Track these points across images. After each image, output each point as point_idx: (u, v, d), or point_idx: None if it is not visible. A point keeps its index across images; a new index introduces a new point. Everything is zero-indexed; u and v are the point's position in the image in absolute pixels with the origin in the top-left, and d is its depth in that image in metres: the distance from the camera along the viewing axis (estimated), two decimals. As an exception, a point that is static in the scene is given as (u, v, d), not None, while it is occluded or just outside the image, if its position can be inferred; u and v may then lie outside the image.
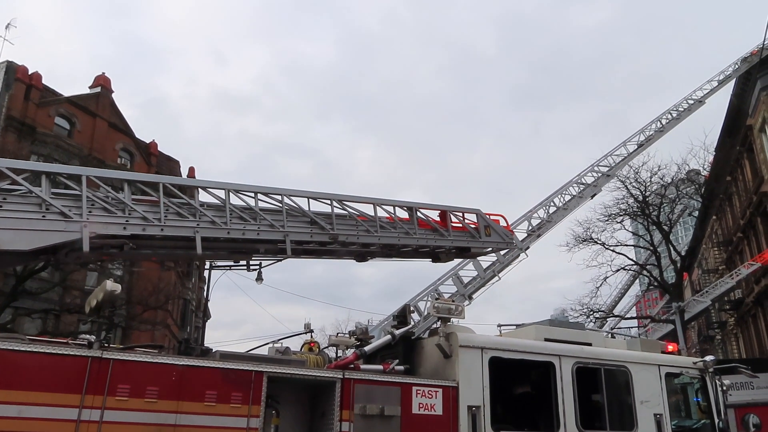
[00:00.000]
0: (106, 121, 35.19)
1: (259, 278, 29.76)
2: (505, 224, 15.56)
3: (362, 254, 12.63)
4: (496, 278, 17.79)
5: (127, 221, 8.59)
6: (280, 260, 11.26)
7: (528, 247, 18.77)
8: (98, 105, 35.10)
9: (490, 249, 15.27)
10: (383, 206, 12.31)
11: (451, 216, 13.86)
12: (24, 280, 22.41)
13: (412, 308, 15.76)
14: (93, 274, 29.82)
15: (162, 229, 8.96)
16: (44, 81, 31.85)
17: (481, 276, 17.54)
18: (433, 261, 14.40)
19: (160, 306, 30.14)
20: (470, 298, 17.21)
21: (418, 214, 13.02)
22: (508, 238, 15.31)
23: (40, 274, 23.92)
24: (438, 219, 13.68)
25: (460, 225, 14.12)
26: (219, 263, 30.27)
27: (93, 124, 34.22)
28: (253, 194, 10.33)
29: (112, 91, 36.90)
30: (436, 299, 15.18)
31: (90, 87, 36.34)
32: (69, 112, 33.01)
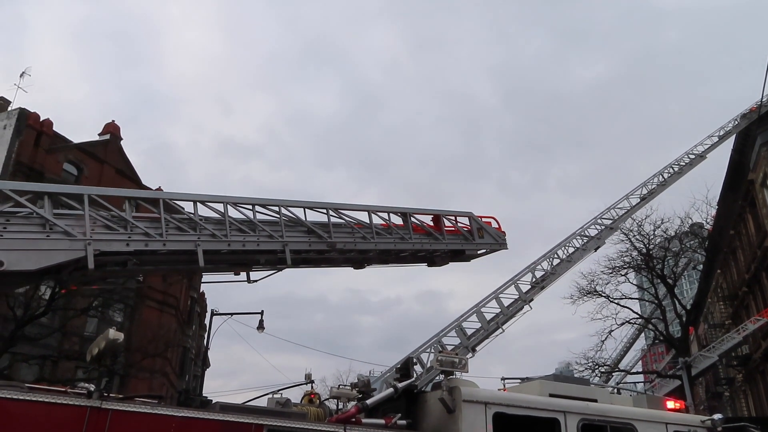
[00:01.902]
0: (113, 167, 35.65)
1: (261, 327, 29.75)
2: (497, 225, 15.62)
3: (360, 261, 12.74)
4: (500, 330, 17.55)
5: (129, 237, 8.74)
6: (281, 270, 11.25)
7: (532, 300, 18.58)
8: (106, 151, 35.63)
9: (485, 251, 15.32)
10: (378, 213, 12.54)
11: (445, 220, 14.00)
12: (24, 325, 22.26)
13: (414, 360, 15.55)
14: (93, 320, 29.62)
15: (164, 244, 9.12)
16: (55, 128, 32.47)
17: (485, 328, 17.31)
18: (428, 265, 14.46)
19: (159, 353, 29.80)
20: (474, 350, 16.93)
21: (413, 219, 13.17)
22: (500, 239, 15.42)
23: (40, 320, 23.75)
24: (432, 223, 13.81)
25: (454, 228, 14.24)
26: (221, 310, 30.30)
27: (100, 170, 34.66)
28: (250, 206, 10.54)
29: (121, 139, 37.53)
30: (440, 352, 15.00)
31: (99, 134, 36.98)
32: (77, 159, 33.49)
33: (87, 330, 29.46)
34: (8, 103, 32.71)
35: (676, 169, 27.50)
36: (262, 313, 29.73)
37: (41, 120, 31.61)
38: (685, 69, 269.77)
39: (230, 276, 11.17)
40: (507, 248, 15.77)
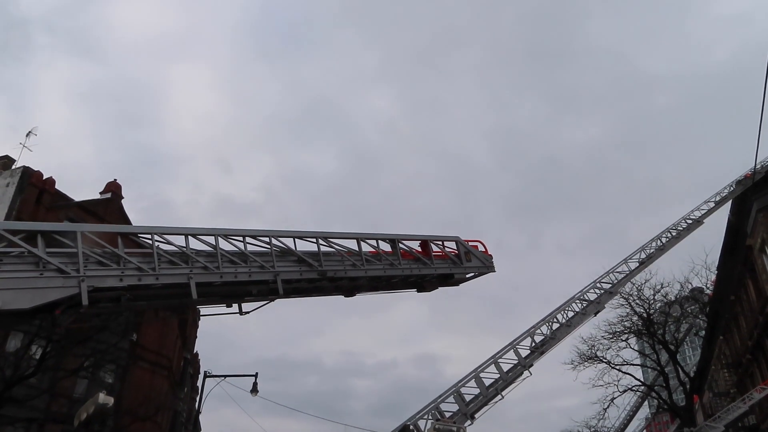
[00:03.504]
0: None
1: (254, 390, 29.03)
2: (484, 249, 15.59)
3: (350, 289, 12.78)
4: (500, 397, 17.18)
5: (122, 272, 8.82)
6: (273, 300, 11.27)
7: (532, 365, 18.27)
8: (107, 210, 35.75)
9: (473, 274, 15.30)
10: (367, 240, 12.69)
11: (432, 245, 14.10)
12: (12, 386, 21.70)
13: (411, 427, 15.14)
14: (83, 381, 28.90)
15: (157, 278, 9.16)
16: (57, 186, 32.74)
17: (484, 394, 16.94)
18: (418, 291, 14.56)
19: (149, 417, 28.97)
20: (472, 417, 16.50)
21: (401, 245, 13.21)
22: (488, 262, 15.55)
23: (28, 380, 23.19)
24: (420, 249, 13.88)
25: (442, 253, 14.27)
26: (214, 372, 29.68)
27: (100, 228, 34.69)
28: (241, 238, 10.61)
29: (122, 197, 37.77)
30: (437, 419, 14.65)
31: (101, 193, 37.22)
32: (78, 216, 33.52)
33: (76, 391, 28.68)
34: (12, 161, 33.14)
35: (674, 234, 27.62)
36: (256, 375, 29.16)
37: (44, 178, 31.90)
38: (677, 133, 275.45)
39: (222, 308, 11.17)
40: (495, 271, 15.89)
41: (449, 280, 14.71)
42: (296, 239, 11.45)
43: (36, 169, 31.73)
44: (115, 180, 37.97)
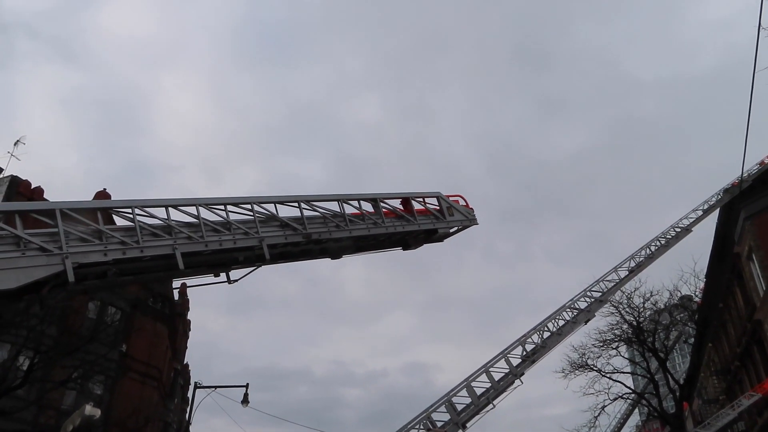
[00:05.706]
0: (102, 235, 35.44)
1: (245, 401, 28.88)
2: (465, 203, 15.70)
3: (336, 251, 12.77)
4: (491, 406, 17.20)
5: (106, 247, 8.74)
6: (260, 266, 11.28)
7: (523, 374, 18.29)
8: (95, 219, 35.53)
9: (456, 228, 15.37)
10: (348, 201, 12.69)
11: (414, 202, 14.17)
12: (-1, 398, 21.45)
13: (403, 437, 15.12)
14: (71, 393, 28.61)
15: (142, 251, 9.10)
16: (46, 195, 32.49)
17: (475, 403, 16.94)
18: (403, 249, 14.67)
19: (139, 428, 28.70)
20: (464, 426, 16.50)
21: (383, 204, 13.19)
22: (470, 215, 15.72)
23: (16, 392, 22.93)
24: (402, 207, 13.93)
25: (424, 209, 14.37)
26: (204, 383, 29.51)
27: (89, 237, 34.42)
28: (223, 206, 10.59)
29: (111, 207, 37.58)
30: (428, 429, 14.67)
31: (90, 202, 37.01)
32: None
33: (64, 403, 28.36)
34: (0, 170, 32.89)
35: (662, 242, 27.81)
36: (247, 386, 29.05)
37: (32, 187, 31.68)
38: (664, 138, 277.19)
39: (210, 278, 11.09)
40: (477, 224, 15.99)
41: (433, 236, 14.77)
42: (278, 204, 11.48)
43: (24, 178, 31.53)
44: (104, 189, 37.71)
